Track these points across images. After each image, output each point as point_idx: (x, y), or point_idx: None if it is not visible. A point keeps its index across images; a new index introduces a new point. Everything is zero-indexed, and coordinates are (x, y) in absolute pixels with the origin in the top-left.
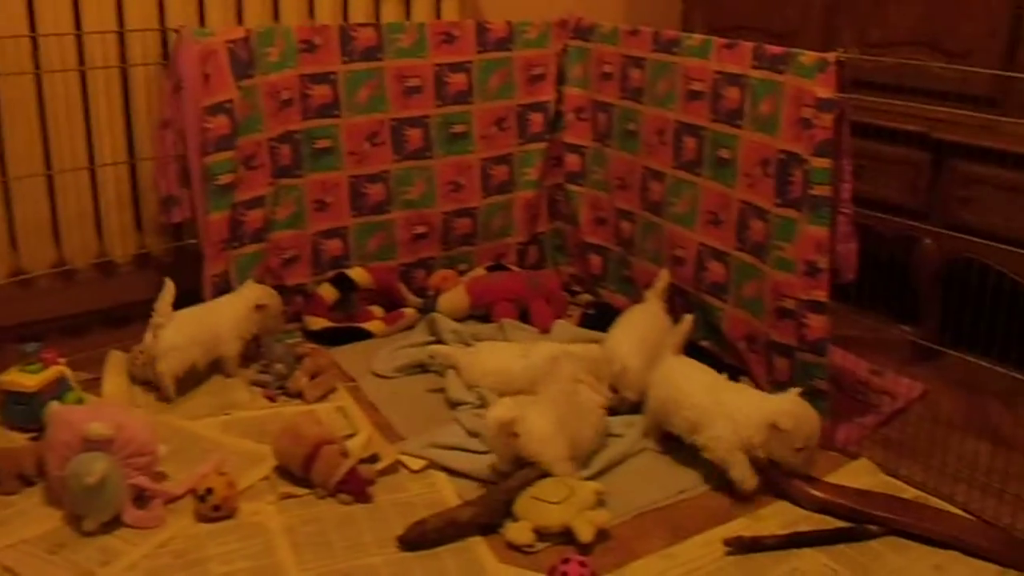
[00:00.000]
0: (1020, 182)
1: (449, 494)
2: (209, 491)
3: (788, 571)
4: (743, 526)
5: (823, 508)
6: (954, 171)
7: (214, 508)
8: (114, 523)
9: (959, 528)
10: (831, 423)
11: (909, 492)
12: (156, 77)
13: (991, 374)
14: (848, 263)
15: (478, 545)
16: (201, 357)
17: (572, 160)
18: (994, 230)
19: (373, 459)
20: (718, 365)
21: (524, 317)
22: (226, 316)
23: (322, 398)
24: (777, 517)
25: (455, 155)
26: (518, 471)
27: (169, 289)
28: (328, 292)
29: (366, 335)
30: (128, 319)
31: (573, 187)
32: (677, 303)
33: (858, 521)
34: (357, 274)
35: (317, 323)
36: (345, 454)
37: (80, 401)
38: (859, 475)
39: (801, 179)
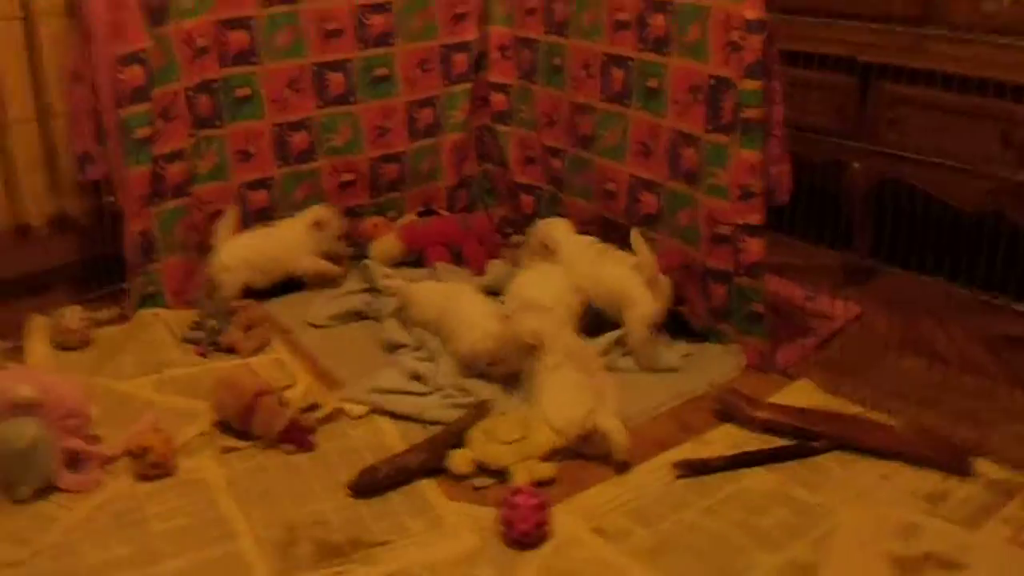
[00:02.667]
0: (946, 101)
1: (393, 438)
2: (145, 449)
3: (737, 490)
4: (690, 450)
5: (768, 428)
6: (881, 93)
7: (152, 466)
8: (48, 489)
9: (901, 440)
10: (770, 346)
11: (851, 409)
12: (63, 28)
13: (922, 293)
14: (782, 185)
15: (426, 485)
16: (258, 278)
17: (498, 99)
18: (921, 151)
19: (314, 408)
20: None
21: (457, 260)
22: (285, 239)
23: (257, 351)
24: (724, 440)
25: (379, 99)
26: (466, 411)
27: (231, 214)
28: None
29: (299, 286)
30: (47, 285)
31: (500, 127)
32: (611, 238)
33: (803, 439)
34: None
35: None
36: (284, 404)
37: None
38: (801, 395)
39: (732, 104)
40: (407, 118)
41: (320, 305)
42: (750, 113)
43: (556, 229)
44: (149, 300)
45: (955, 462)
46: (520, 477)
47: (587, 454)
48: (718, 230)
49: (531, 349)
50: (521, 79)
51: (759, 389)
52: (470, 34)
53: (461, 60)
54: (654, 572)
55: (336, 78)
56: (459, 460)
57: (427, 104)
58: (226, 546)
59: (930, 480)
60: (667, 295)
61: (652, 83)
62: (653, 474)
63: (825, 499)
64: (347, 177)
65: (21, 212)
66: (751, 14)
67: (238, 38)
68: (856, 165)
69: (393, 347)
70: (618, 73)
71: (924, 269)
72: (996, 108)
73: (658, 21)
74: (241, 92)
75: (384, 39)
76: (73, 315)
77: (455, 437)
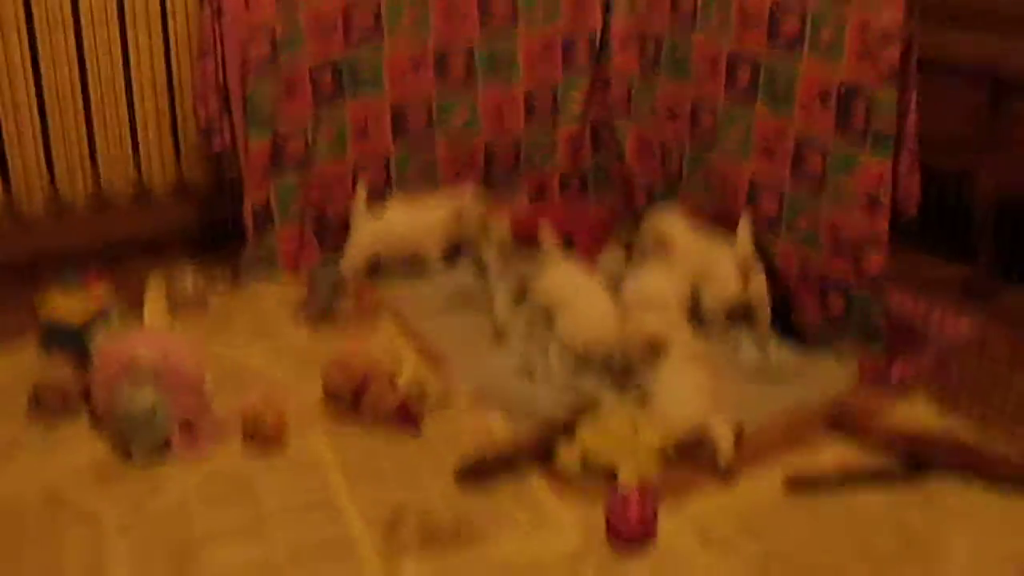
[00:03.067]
0: None
1: (498, 428)
2: (259, 421)
3: (847, 510)
4: (799, 463)
5: (883, 445)
6: (1017, 106)
7: (264, 439)
8: (162, 453)
9: (1015, 466)
10: (886, 360)
11: (966, 429)
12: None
13: None
14: (911, 198)
15: (534, 478)
16: (386, 252)
17: (618, 92)
18: None
19: (423, 394)
20: None
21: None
22: (423, 221)
23: (366, 327)
24: (834, 456)
25: (499, 83)
26: (575, 406)
27: (362, 187)
28: None
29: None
30: (165, 248)
31: (618, 120)
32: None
33: (918, 461)
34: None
35: None
36: (394, 386)
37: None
38: (915, 411)
39: (864, 111)
40: (525, 103)
41: (432, 287)
42: (883, 122)
43: (671, 225)
44: (264, 269)
45: None
46: (627, 474)
47: (694, 458)
48: (840, 238)
49: (653, 350)
50: (643, 71)
51: (873, 402)
52: (593, 22)
53: (583, 48)
54: None
55: (457, 60)
56: (567, 453)
57: (546, 90)
58: (333, 524)
59: None
60: (758, 285)
61: (781, 83)
62: (760, 485)
63: (939, 527)
64: (461, 158)
65: (146, 177)
66: (890, 22)
67: (364, 16)
68: (985, 178)
69: (502, 331)
70: (744, 70)
71: None
72: None
73: (791, 21)
74: (363, 70)
75: (507, 23)
76: (191, 278)
77: (564, 430)
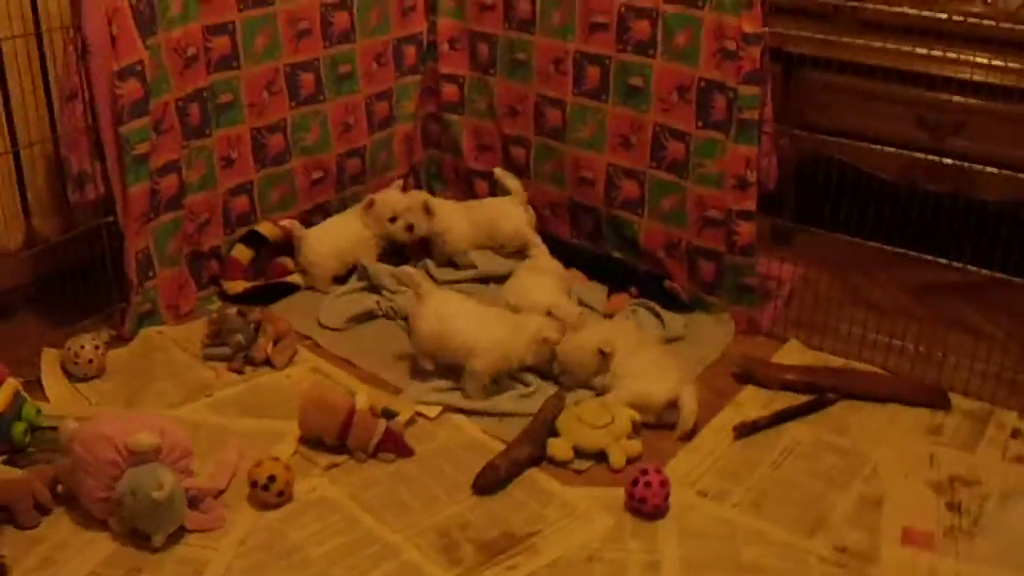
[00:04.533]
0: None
1: (476, 432)
2: (272, 478)
3: (788, 443)
4: (731, 414)
5: (785, 386)
6: (804, 80)
7: (278, 495)
8: (176, 534)
9: (894, 385)
10: (758, 311)
11: (836, 361)
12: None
13: (843, 251)
14: (770, 174)
15: (536, 475)
16: (341, 268)
17: (449, 90)
18: (844, 129)
19: (388, 414)
20: (629, 274)
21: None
22: (352, 227)
23: (290, 362)
24: (752, 401)
25: (344, 96)
26: (548, 403)
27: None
28: (242, 252)
29: (292, 288)
30: (13, 307)
31: (452, 116)
32: (585, 219)
33: (817, 393)
34: (266, 228)
35: (236, 286)
36: (376, 414)
37: (39, 413)
38: (793, 354)
39: (724, 104)
40: (367, 112)
41: (329, 307)
42: (748, 114)
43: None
44: (146, 318)
45: (938, 399)
46: (616, 457)
47: (664, 423)
48: (708, 214)
49: (605, 358)
50: (476, 71)
51: (758, 351)
52: (418, 26)
53: (411, 52)
54: (767, 521)
55: (307, 78)
56: (559, 448)
57: (383, 97)
58: (390, 558)
59: (924, 416)
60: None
61: (636, 81)
62: (715, 437)
63: (855, 442)
64: (316, 175)
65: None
66: (750, 27)
67: (221, 43)
68: (782, 141)
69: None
70: (594, 70)
71: (838, 230)
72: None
73: (641, 26)
74: (224, 98)
75: (347, 36)
76: (88, 344)
77: (549, 426)
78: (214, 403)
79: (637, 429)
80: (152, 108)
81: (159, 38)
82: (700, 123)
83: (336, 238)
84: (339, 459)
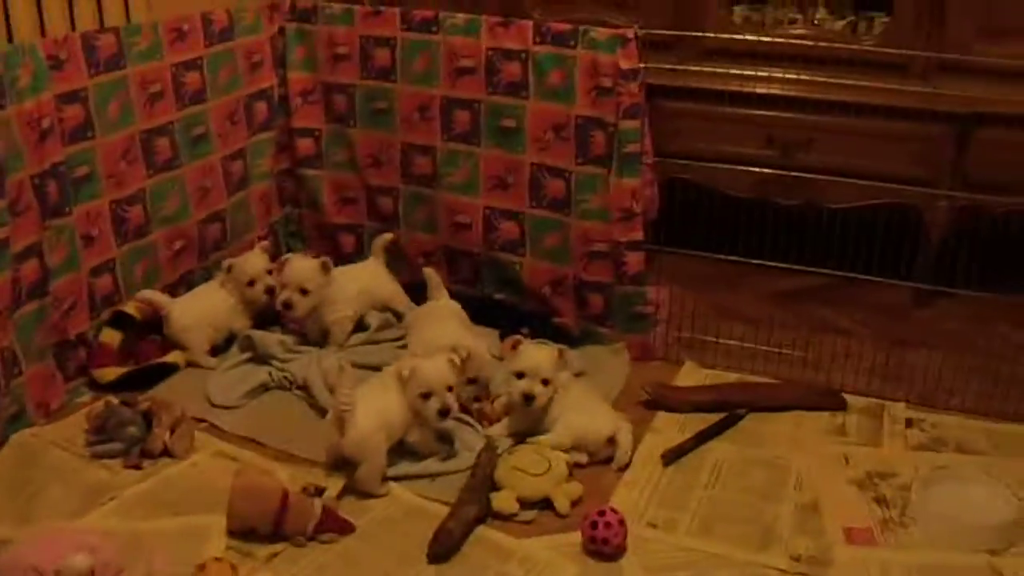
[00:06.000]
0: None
1: (410, 496)
2: None
3: (716, 463)
4: (652, 442)
5: (696, 408)
6: (656, 108)
7: None
8: None
9: (791, 393)
10: (650, 338)
11: (731, 377)
12: None
13: (704, 269)
14: (652, 205)
15: (486, 532)
16: (216, 335)
17: (304, 144)
18: (699, 153)
19: (317, 491)
20: (513, 315)
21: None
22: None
23: (191, 448)
24: (669, 426)
25: (199, 159)
26: (482, 457)
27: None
28: (111, 336)
29: (169, 370)
30: None
31: (309, 171)
32: (463, 264)
33: (726, 410)
34: (132, 307)
35: (109, 373)
36: (311, 493)
37: None
38: (691, 374)
39: (603, 139)
40: (223, 174)
41: (217, 384)
42: (630, 148)
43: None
44: (14, 421)
45: (834, 401)
46: (561, 503)
47: (599, 459)
48: (594, 248)
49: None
50: (333, 123)
51: (658, 376)
52: (267, 81)
53: (262, 108)
54: (721, 543)
55: (162, 143)
56: (504, 500)
57: (238, 157)
58: None
59: (824, 419)
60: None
61: (508, 123)
62: (646, 467)
63: (774, 453)
64: (178, 244)
65: None
66: (626, 64)
67: (74, 113)
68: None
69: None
70: (463, 115)
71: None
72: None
73: (512, 68)
74: (81, 171)
75: (199, 96)
76: None
77: (490, 481)
78: (120, 506)
79: (570, 470)
80: (7, 188)
81: (9, 111)
82: (580, 159)
83: (204, 306)
84: (278, 547)
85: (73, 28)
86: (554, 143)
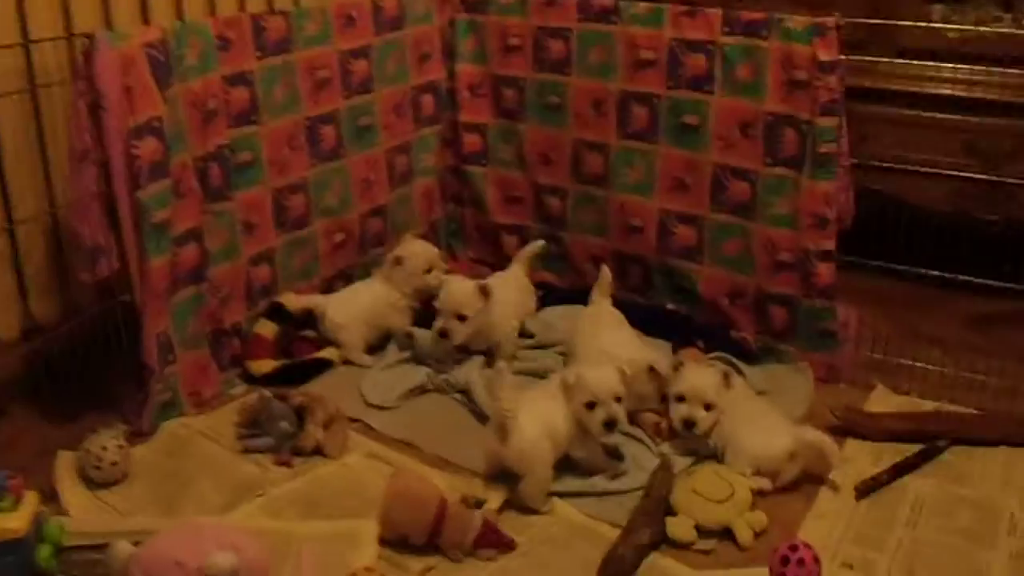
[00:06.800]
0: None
1: (574, 513)
2: None
3: (916, 499)
4: (843, 471)
5: (890, 436)
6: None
7: None
8: None
9: (999, 425)
10: (838, 358)
11: (928, 405)
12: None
13: (895, 290)
14: (847, 212)
15: (659, 560)
16: (372, 333)
17: (471, 140)
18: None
19: (476, 503)
20: (688, 326)
21: None
22: (376, 289)
23: (343, 448)
24: (860, 455)
25: (364, 150)
26: (657, 476)
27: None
28: (267, 328)
29: (323, 366)
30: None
31: (474, 168)
32: (633, 270)
33: (923, 440)
34: (289, 300)
35: (264, 366)
36: (470, 505)
37: (63, 529)
38: (882, 400)
39: (796, 138)
40: (387, 167)
41: (373, 383)
42: (826, 148)
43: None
44: (166, 409)
45: None
46: (744, 534)
47: (784, 484)
48: (779, 257)
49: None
50: (501, 118)
51: (846, 400)
52: (436, 74)
53: (429, 101)
54: None
55: (327, 131)
56: (681, 527)
57: (402, 151)
58: None
59: None
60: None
61: (690, 120)
62: (835, 499)
63: (984, 492)
64: (338, 238)
65: None
66: (825, 55)
67: (240, 95)
68: None
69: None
70: (641, 111)
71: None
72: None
73: (696, 61)
74: (244, 156)
75: (366, 85)
76: (111, 444)
77: (665, 504)
78: (269, 503)
79: (759, 495)
80: (171, 168)
81: (176, 90)
82: (768, 160)
83: (362, 302)
84: (432, 560)
85: (243, 9)
86: (740, 142)
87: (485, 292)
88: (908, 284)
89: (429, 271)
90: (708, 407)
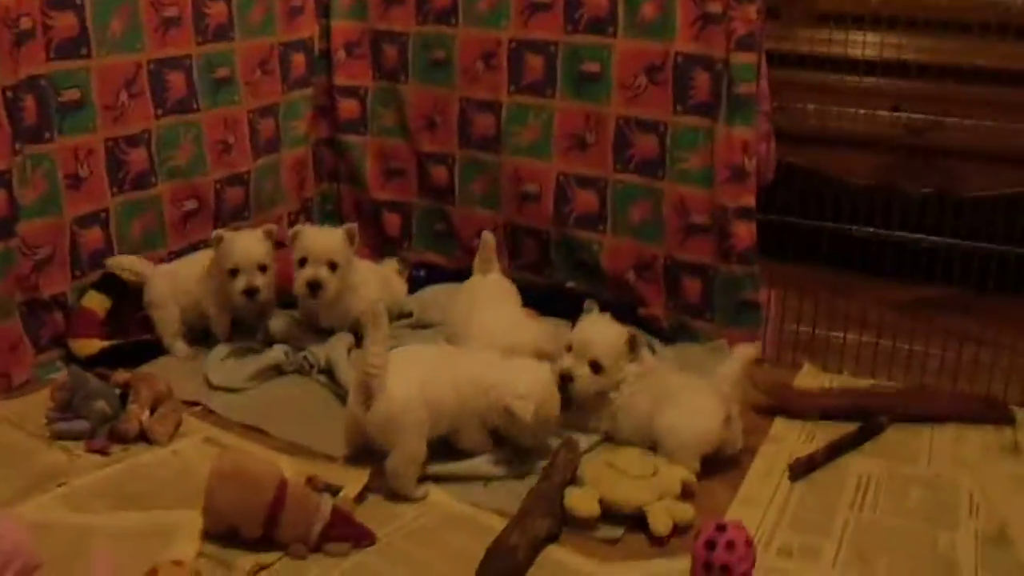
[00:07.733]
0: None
1: (451, 502)
2: None
3: (857, 480)
4: (772, 452)
5: (825, 413)
6: None
7: None
8: None
9: (945, 401)
10: (760, 333)
11: (862, 383)
12: None
13: (813, 273)
14: (768, 164)
15: (555, 551)
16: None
17: (348, 106)
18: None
19: (329, 490)
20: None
21: None
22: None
23: (175, 434)
24: (792, 435)
25: (221, 106)
26: (559, 456)
27: None
28: (97, 302)
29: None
30: None
31: (351, 138)
32: (528, 245)
33: (861, 418)
34: (119, 263)
35: (90, 346)
36: (318, 488)
37: None
38: (813, 379)
39: (709, 82)
40: (249, 130)
41: (219, 364)
42: (744, 88)
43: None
44: None
45: (999, 414)
46: (660, 524)
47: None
48: (692, 219)
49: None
50: (381, 79)
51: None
52: (307, 30)
53: (300, 61)
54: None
55: (176, 78)
56: (582, 500)
57: (268, 113)
58: None
59: (990, 434)
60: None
61: (591, 67)
62: (766, 482)
63: (934, 470)
64: (190, 205)
65: None
66: None
67: (66, 21)
68: None
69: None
70: (535, 60)
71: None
72: None
73: (596, 0)
74: (70, 95)
75: (224, 32)
76: None
77: (562, 489)
78: (70, 494)
79: (688, 492)
80: None
81: None
82: (678, 107)
83: (186, 280)
84: (267, 557)
85: None
86: (646, 90)
87: (351, 236)
88: (825, 270)
89: (234, 273)
90: (596, 367)
